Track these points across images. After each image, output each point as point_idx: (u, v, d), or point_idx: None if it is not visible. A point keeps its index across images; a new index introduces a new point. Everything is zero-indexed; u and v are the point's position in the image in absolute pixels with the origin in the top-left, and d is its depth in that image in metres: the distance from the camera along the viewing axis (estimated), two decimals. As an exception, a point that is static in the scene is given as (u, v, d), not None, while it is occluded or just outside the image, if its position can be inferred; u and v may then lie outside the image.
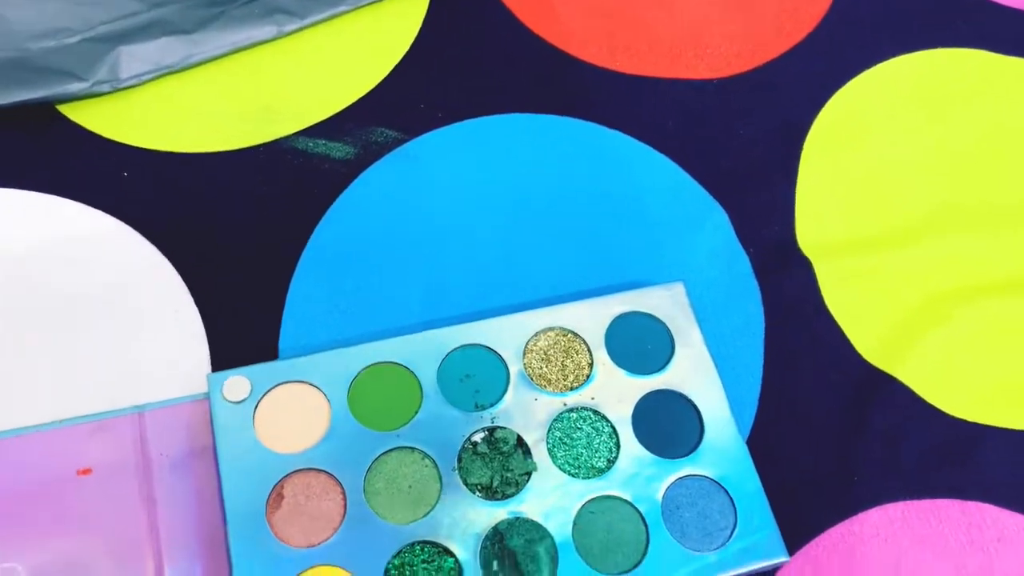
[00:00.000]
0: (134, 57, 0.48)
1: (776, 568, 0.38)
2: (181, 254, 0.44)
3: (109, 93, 0.48)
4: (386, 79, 0.51)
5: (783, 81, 0.52)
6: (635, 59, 0.52)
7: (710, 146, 0.49)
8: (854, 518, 0.40)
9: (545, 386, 0.40)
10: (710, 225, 0.47)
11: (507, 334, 0.41)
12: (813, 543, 0.40)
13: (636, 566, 0.36)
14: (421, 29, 0.52)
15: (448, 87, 0.51)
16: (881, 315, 0.45)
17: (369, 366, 0.39)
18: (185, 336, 0.43)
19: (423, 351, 0.40)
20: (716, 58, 0.52)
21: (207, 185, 0.47)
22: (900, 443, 0.42)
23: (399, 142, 0.49)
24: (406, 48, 0.52)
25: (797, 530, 0.39)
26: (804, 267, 0.46)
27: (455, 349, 0.40)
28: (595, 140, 0.49)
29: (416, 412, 0.39)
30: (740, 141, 0.50)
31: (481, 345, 0.40)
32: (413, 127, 0.49)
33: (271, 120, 0.49)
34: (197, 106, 0.49)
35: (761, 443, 0.41)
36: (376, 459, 0.37)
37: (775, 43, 0.53)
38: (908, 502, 0.41)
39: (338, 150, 0.48)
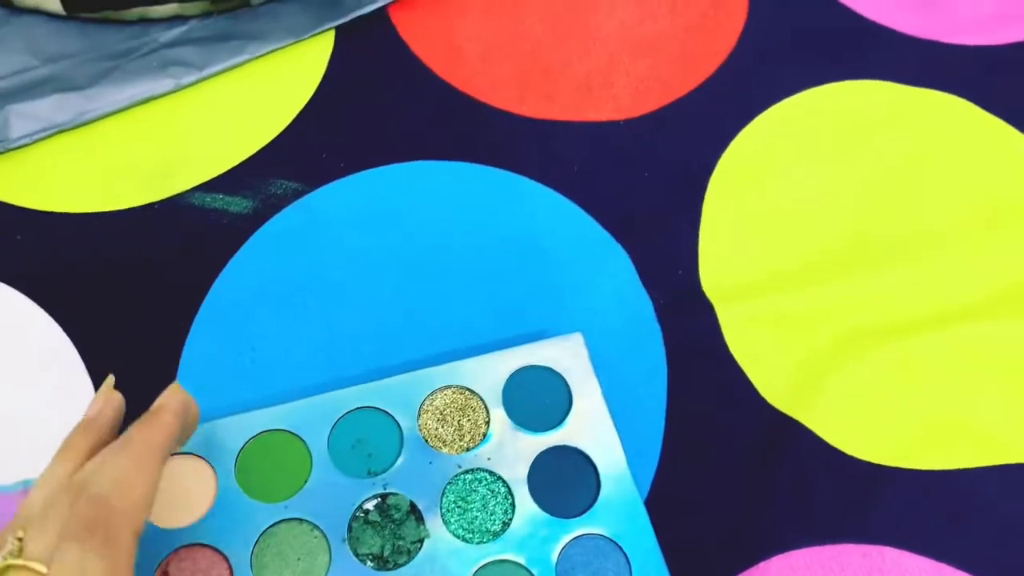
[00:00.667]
0: (24, 116, 0.47)
1: (675, 625, 0.38)
2: (73, 320, 0.44)
3: None
4: (287, 128, 0.50)
5: (689, 120, 0.52)
6: (543, 103, 0.52)
7: (615, 189, 0.49)
8: (756, 567, 0.40)
9: (440, 447, 0.39)
10: (613, 269, 0.47)
11: (402, 394, 0.40)
12: (715, 595, 0.40)
13: (530, 632, 0.36)
14: (325, 75, 0.52)
15: (351, 135, 0.50)
16: (784, 358, 0.45)
17: (257, 435, 0.39)
18: (76, 405, 0.42)
19: (314, 417, 0.39)
20: (623, 98, 0.52)
21: (101, 246, 0.46)
22: (805, 488, 0.42)
23: (299, 194, 0.48)
24: (308, 96, 0.51)
25: (702, 579, 0.39)
26: (707, 311, 0.46)
27: (347, 413, 0.40)
28: (502, 186, 0.49)
29: (305, 481, 0.38)
30: (644, 184, 0.50)
31: (375, 407, 0.40)
32: (314, 178, 0.49)
33: (168, 175, 0.48)
34: (92, 164, 0.48)
35: (664, 493, 0.41)
36: (264, 532, 0.37)
37: (682, 81, 0.53)
38: (812, 548, 0.41)
39: (236, 204, 0.48)
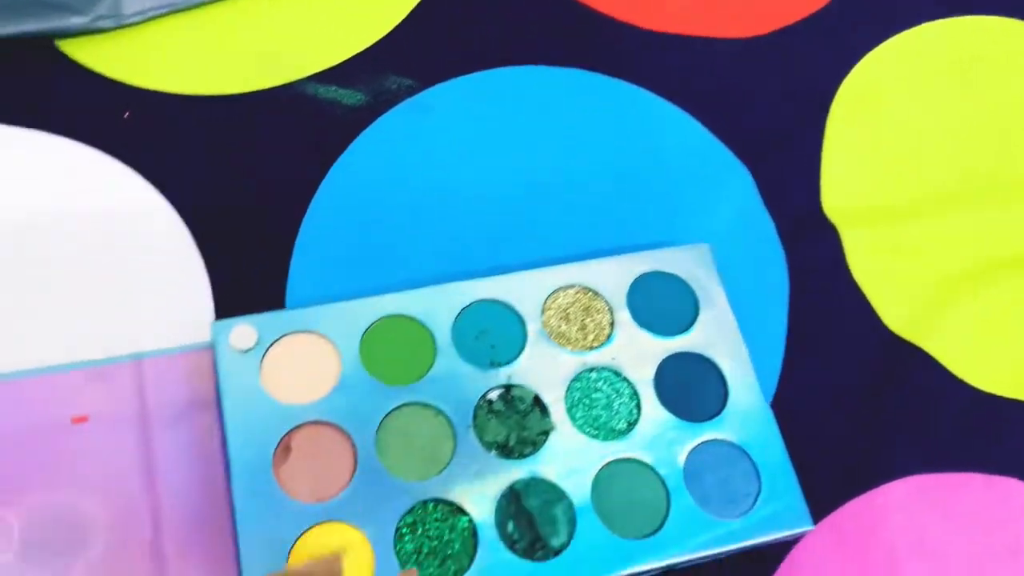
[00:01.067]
0: None
1: (798, 537, 0.37)
2: (185, 199, 0.43)
3: (111, 30, 0.46)
4: (401, 24, 0.49)
5: (812, 43, 0.50)
6: (663, 15, 0.51)
7: (737, 107, 0.48)
8: (877, 490, 0.39)
9: (564, 344, 0.39)
10: (734, 187, 0.46)
11: (525, 290, 0.39)
12: (836, 513, 0.39)
13: (656, 531, 0.35)
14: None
15: (466, 36, 0.49)
16: (909, 285, 0.44)
17: (382, 318, 0.38)
18: (187, 284, 0.41)
19: (437, 305, 0.39)
20: (746, 16, 0.51)
21: (213, 128, 0.45)
22: (926, 415, 0.41)
23: (413, 90, 0.47)
24: None
25: (820, 499, 0.38)
26: (830, 234, 0.45)
27: (471, 304, 0.39)
28: (619, 97, 0.48)
29: (430, 367, 0.37)
30: (767, 103, 0.48)
31: (498, 301, 0.39)
32: (428, 76, 0.47)
33: (282, 64, 0.47)
34: (204, 47, 0.47)
35: (782, 412, 0.39)
36: (388, 414, 0.36)
37: (805, 4, 0.52)
38: (933, 475, 0.40)
39: (350, 96, 0.46)
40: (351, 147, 0.45)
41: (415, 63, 0.48)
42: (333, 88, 0.47)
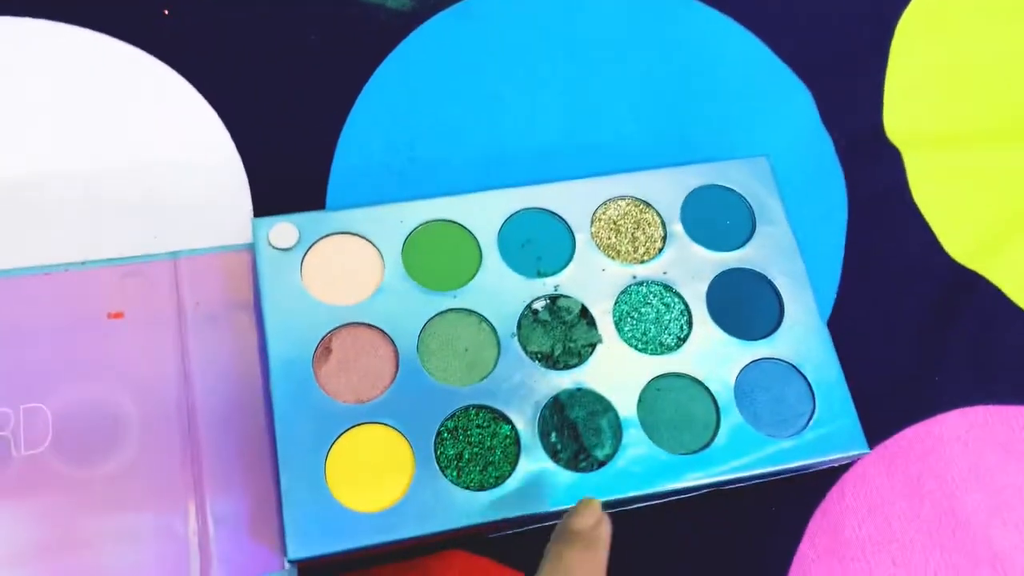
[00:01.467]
0: None
1: (852, 461, 0.36)
2: (224, 99, 0.41)
3: None
4: None
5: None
6: None
7: (797, 24, 0.46)
8: (934, 419, 0.38)
9: (614, 257, 0.37)
10: (794, 106, 0.44)
11: (574, 200, 0.38)
12: (890, 441, 0.37)
13: (704, 447, 0.34)
14: None
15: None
16: (974, 213, 0.42)
17: (425, 223, 0.37)
18: (226, 185, 0.40)
19: (482, 211, 0.37)
20: None
21: (255, 30, 0.43)
22: (987, 346, 0.39)
23: (460, -4, 0.45)
24: None
25: (873, 426, 0.36)
26: (892, 157, 0.43)
27: (517, 212, 0.37)
28: (675, 9, 0.46)
29: (474, 274, 0.36)
30: (829, 21, 0.46)
31: (545, 209, 0.38)
32: (476, -18, 0.46)
33: (324, -35, 0.45)
34: (244, -55, 0.45)
35: (838, 336, 0.38)
36: (431, 319, 0.35)
37: None
38: (991, 406, 0.38)
39: (395, 1, 0.45)
40: (394, 52, 0.43)
41: None
42: None
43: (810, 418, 0.35)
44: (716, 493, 0.35)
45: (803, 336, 0.36)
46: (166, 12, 0.43)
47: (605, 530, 0.28)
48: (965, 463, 0.37)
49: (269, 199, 0.40)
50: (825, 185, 0.42)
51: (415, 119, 0.42)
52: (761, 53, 0.45)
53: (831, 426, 0.35)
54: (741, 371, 0.35)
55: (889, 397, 0.38)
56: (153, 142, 0.40)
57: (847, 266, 0.41)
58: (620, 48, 0.45)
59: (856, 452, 0.35)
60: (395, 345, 0.34)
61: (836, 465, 0.36)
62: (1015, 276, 0.41)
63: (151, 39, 0.42)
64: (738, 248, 0.38)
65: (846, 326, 0.39)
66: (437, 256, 0.36)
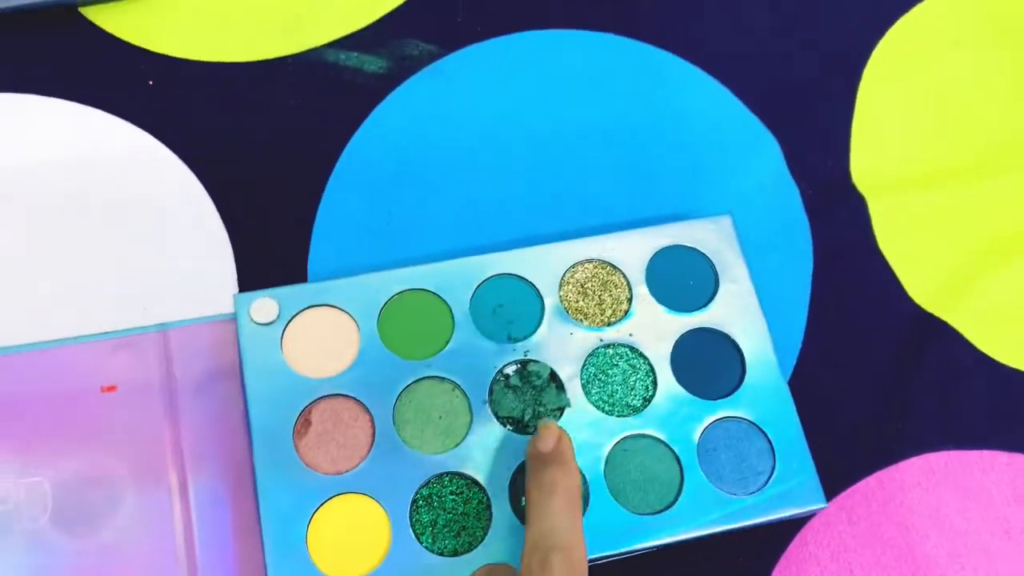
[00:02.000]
0: None
1: (811, 514, 0.38)
2: (207, 167, 0.43)
3: None
4: None
5: (844, 4, 0.49)
6: None
7: (764, 71, 0.47)
8: (895, 466, 0.39)
9: (581, 320, 0.39)
10: (761, 155, 0.45)
11: (543, 264, 0.39)
12: (852, 489, 0.39)
13: (668, 507, 0.36)
14: (462, -65, 0.50)
15: (488, 1, 0.48)
16: (936, 257, 0.43)
17: (400, 292, 0.38)
18: (211, 254, 0.42)
19: (455, 279, 0.39)
20: None
21: (235, 96, 0.45)
22: (949, 391, 0.41)
23: (434, 56, 0.46)
24: None
25: (837, 474, 0.38)
26: (857, 203, 0.44)
27: (488, 278, 0.39)
28: (643, 60, 0.47)
29: (447, 342, 0.38)
30: (796, 67, 0.47)
31: (516, 275, 0.39)
32: (449, 40, 0.47)
33: (302, 30, 0.46)
34: (226, 14, 0.47)
35: (803, 385, 0.40)
36: (406, 387, 0.37)
37: None
38: (952, 452, 0.40)
39: (371, 63, 0.46)
40: (372, 115, 0.45)
41: (436, 29, 0.47)
42: (355, 55, 0.46)
43: (770, 476, 0.36)
44: (681, 546, 0.36)
45: (764, 395, 0.38)
46: (151, 83, 0.45)
47: (567, 443, 0.34)
48: (925, 509, 0.39)
49: (253, 266, 0.41)
50: (791, 234, 0.43)
51: (393, 181, 0.44)
52: (729, 103, 0.46)
53: (790, 483, 0.36)
54: (704, 430, 0.37)
55: (853, 445, 0.40)
56: (140, 214, 0.42)
57: (812, 314, 0.42)
58: (590, 101, 0.46)
59: (814, 507, 0.36)
60: (371, 415, 0.36)
61: (796, 518, 0.37)
62: (976, 321, 0.42)
63: (135, 109, 0.44)
64: (701, 308, 0.39)
65: (811, 375, 0.41)
66: (412, 324, 0.38)
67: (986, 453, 0.40)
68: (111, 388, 0.38)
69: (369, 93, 0.46)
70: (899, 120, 0.46)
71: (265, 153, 0.44)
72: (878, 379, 0.41)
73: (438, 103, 0.46)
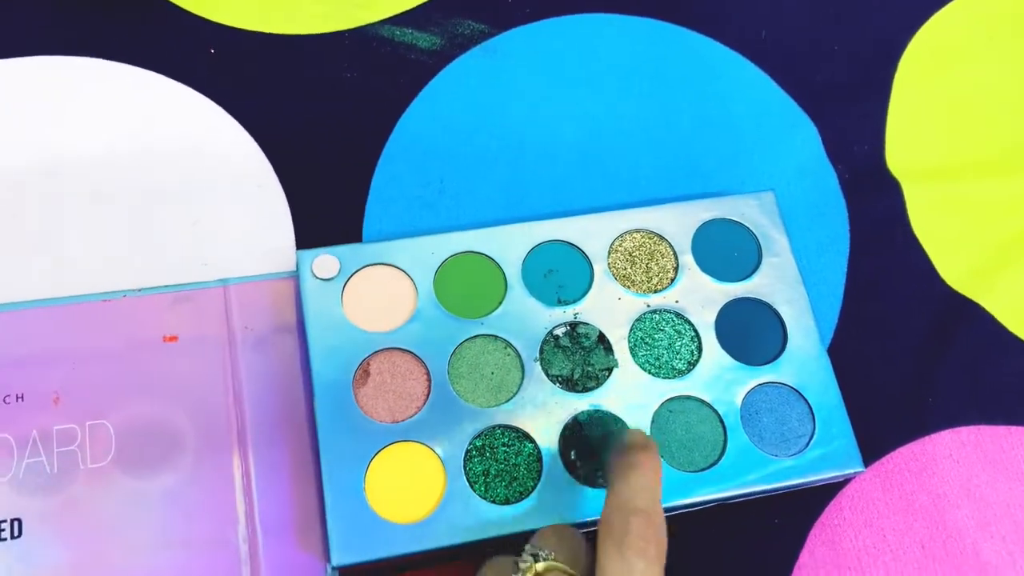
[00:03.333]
0: None
1: (849, 478, 0.39)
2: (266, 134, 0.45)
3: None
4: None
5: (883, -3, 0.51)
6: None
7: (802, 59, 0.48)
8: (927, 438, 0.41)
9: (629, 286, 0.40)
10: (799, 139, 0.46)
11: (592, 233, 0.41)
12: (885, 459, 0.40)
13: (712, 465, 0.37)
14: (512, -78, 0.51)
15: (539, -17, 0.50)
16: (969, 242, 0.45)
17: (455, 254, 0.40)
18: (269, 215, 0.43)
19: (508, 243, 0.40)
20: None
21: (293, 66, 0.47)
22: (979, 369, 0.42)
23: (485, 35, 0.48)
24: None
25: (870, 445, 0.39)
26: (893, 188, 0.46)
27: (540, 244, 0.40)
28: (685, 45, 0.49)
29: (500, 302, 0.39)
30: (834, 55, 0.49)
31: (566, 242, 0.41)
32: (500, 21, 0.49)
33: (359, 5, 0.48)
34: (284, -13, 0.49)
35: (839, 360, 0.41)
36: (460, 344, 0.38)
37: None
38: (982, 427, 0.41)
39: (424, 40, 0.48)
40: (425, 89, 0.47)
41: (488, 8, 0.49)
42: (409, 31, 0.48)
43: (811, 439, 0.38)
44: (721, 506, 0.38)
45: (805, 362, 0.39)
46: (212, 51, 0.47)
47: (655, 446, 0.33)
48: (956, 480, 0.40)
49: (310, 229, 0.43)
50: (829, 215, 0.45)
51: (444, 153, 0.45)
52: (769, 88, 0.48)
53: (830, 446, 0.38)
54: (747, 394, 0.38)
55: (886, 417, 0.41)
56: (204, 176, 0.44)
57: (848, 292, 0.43)
58: (634, 83, 0.48)
59: (852, 470, 0.38)
60: (427, 368, 0.38)
61: (835, 482, 0.39)
62: (1007, 303, 0.43)
63: (198, 76, 0.46)
64: (745, 279, 0.41)
65: (847, 349, 0.42)
66: (466, 285, 0.39)
67: (1015, 428, 0.41)
68: (172, 338, 0.39)
69: (422, 68, 0.47)
70: (933, 110, 0.48)
71: (322, 121, 0.45)
72: (911, 355, 0.42)
73: (488, 80, 0.47)
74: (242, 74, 0.46)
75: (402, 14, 0.48)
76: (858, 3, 0.50)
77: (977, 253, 0.45)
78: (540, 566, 0.30)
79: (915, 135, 0.47)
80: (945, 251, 0.44)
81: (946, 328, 0.43)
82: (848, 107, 0.47)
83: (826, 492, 0.39)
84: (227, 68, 0.46)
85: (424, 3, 0.49)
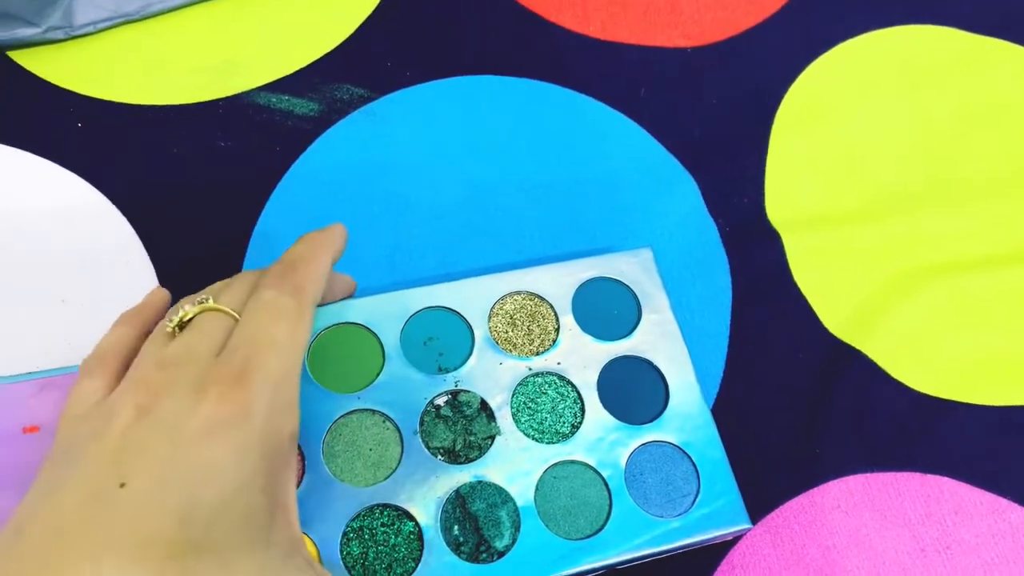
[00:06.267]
0: (90, 3, 0.46)
1: (738, 536, 0.38)
2: (135, 208, 0.43)
3: (63, 40, 0.46)
4: (354, 35, 0.49)
5: (757, 51, 0.51)
6: (609, 24, 0.51)
7: (681, 114, 0.49)
8: (816, 489, 0.40)
9: (511, 350, 0.39)
10: (679, 194, 0.47)
11: (472, 297, 0.40)
12: (775, 513, 0.40)
13: (598, 531, 0.36)
14: (392, -16, 0.51)
15: (418, 46, 0.50)
16: (849, 289, 0.45)
17: (330, 327, 0.38)
18: (140, 292, 0.41)
19: (385, 312, 0.39)
20: (691, 25, 0.52)
21: (165, 139, 0.45)
22: (864, 417, 0.42)
23: (365, 100, 0.47)
24: (375, 3, 0.50)
25: (759, 500, 0.39)
26: (773, 239, 0.46)
27: (418, 311, 0.39)
28: (566, 105, 0.49)
29: (378, 374, 0.38)
30: (712, 110, 0.49)
31: (445, 308, 0.40)
32: (380, 85, 0.48)
33: (233, 74, 0.47)
34: (156, 57, 0.47)
35: (725, 414, 0.41)
36: (336, 421, 0.37)
37: (751, 13, 0.53)
38: (869, 474, 0.41)
39: (302, 106, 0.47)
40: (302, 156, 0.46)
41: (367, 73, 0.48)
42: (286, 97, 0.47)
43: (696, 497, 0.37)
44: (608, 573, 0.37)
45: (687, 418, 0.39)
46: (79, 125, 0.45)
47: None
48: (845, 530, 0.39)
49: (182, 305, 0.41)
50: (710, 269, 0.45)
51: (324, 220, 0.44)
52: (649, 144, 0.48)
53: (715, 504, 0.37)
54: (631, 455, 0.38)
55: (774, 470, 0.41)
56: (68, 254, 0.42)
57: (732, 345, 0.43)
58: (516, 144, 0.47)
59: (740, 527, 0.37)
60: (300, 450, 0.36)
61: (724, 540, 0.38)
62: (887, 348, 0.44)
63: (65, 152, 0.44)
64: (625, 337, 0.40)
65: (733, 403, 0.42)
66: (342, 358, 0.38)
67: (900, 474, 0.41)
68: (32, 429, 0.37)
69: (300, 135, 0.46)
70: (810, 161, 0.49)
71: (194, 193, 0.44)
72: (797, 405, 0.42)
73: (368, 144, 0.46)
74: (110, 148, 0.44)
75: (278, 80, 0.47)
76: (734, 58, 0.51)
77: (856, 300, 0.45)
78: (194, 310, 0.32)
79: (793, 186, 0.48)
80: (826, 299, 0.45)
81: (830, 377, 0.43)
82: (727, 161, 0.48)
83: (717, 551, 0.39)
84: (94, 142, 0.45)
85: (301, 69, 0.48)
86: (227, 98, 0.47)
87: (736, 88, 0.50)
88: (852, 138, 0.50)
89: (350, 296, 0.40)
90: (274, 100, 0.47)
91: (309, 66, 0.48)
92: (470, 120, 0.48)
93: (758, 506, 0.39)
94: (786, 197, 0.47)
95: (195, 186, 0.44)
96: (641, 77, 0.50)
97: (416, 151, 0.47)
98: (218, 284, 0.35)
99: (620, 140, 0.48)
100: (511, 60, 0.50)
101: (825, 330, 0.44)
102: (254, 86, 0.47)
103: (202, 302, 0.33)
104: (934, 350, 0.44)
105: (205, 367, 0.30)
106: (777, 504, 0.40)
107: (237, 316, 0.32)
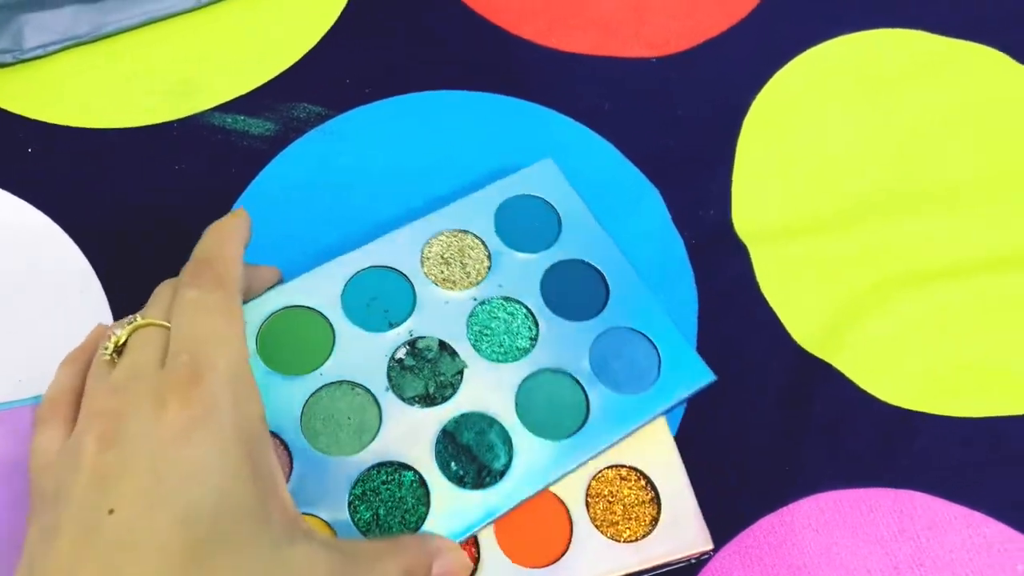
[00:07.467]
0: (39, 26, 0.40)
1: (706, 559, 0.35)
2: (87, 235, 0.37)
3: (12, 64, 0.41)
4: (310, 52, 0.43)
5: (722, 61, 0.45)
6: (572, 36, 0.45)
7: (646, 127, 0.42)
8: (786, 508, 0.35)
9: (451, 288, 0.36)
10: (645, 208, 0.41)
11: (400, 249, 0.35)
12: (745, 532, 0.35)
13: (583, 425, 0.33)
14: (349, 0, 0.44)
15: (376, 62, 0.43)
16: (817, 302, 0.39)
17: (271, 315, 0.34)
18: (92, 323, 0.38)
19: (320, 287, 0.34)
20: (655, 36, 0.45)
21: (118, 162, 0.39)
22: (835, 432, 0.37)
23: (323, 118, 0.41)
24: (333, 20, 0.43)
25: (728, 520, 0.34)
26: (740, 252, 0.40)
27: (353, 276, 0.34)
28: (529, 119, 0.42)
29: (332, 347, 0.33)
30: (677, 122, 0.43)
31: (378, 266, 0.36)
32: (338, 102, 0.42)
33: (187, 95, 0.40)
34: (108, 79, 0.40)
35: (693, 432, 0.35)
36: (306, 403, 0.32)
37: (715, 22, 0.46)
38: (841, 491, 0.36)
39: (257, 126, 0.41)
40: (259, 177, 0.40)
41: (325, 91, 0.42)
42: (241, 118, 0.41)
43: (659, 365, 0.34)
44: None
45: (631, 300, 0.35)
46: (29, 150, 0.39)
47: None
48: (816, 549, 0.35)
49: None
50: (676, 282, 0.39)
51: (281, 239, 0.39)
52: (614, 158, 0.42)
53: (678, 369, 0.34)
54: (591, 348, 0.34)
55: (744, 489, 0.35)
56: (16, 282, 0.36)
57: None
58: (479, 158, 0.41)
59: (706, 381, 0.34)
60: (282, 439, 0.32)
61: (694, 561, 0.34)
62: (856, 361, 0.37)
63: (13, 177, 0.39)
64: (553, 244, 0.37)
65: (700, 420, 0.36)
66: (292, 342, 0.33)
67: (872, 490, 0.36)
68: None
69: (256, 155, 0.40)
70: (776, 172, 0.42)
71: (147, 218, 0.38)
72: (766, 421, 0.37)
73: (326, 163, 0.40)
74: (60, 174, 0.38)
75: (233, 101, 0.41)
76: (700, 69, 0.44)
77: (825, 312, 0.39)
78: (125, 331, 0.29)
79: (760, 197, 0.41)
80: (795, 312, 0.39)
81: (800, 391, 0.38)
82: (693, 173, 0.42)
83: (687, 573, 0.34)
84: (44, 168, 0.38)
85: (257, 88, 0.41)
86: (181, 120, 0.40)
87: (702, 98, 0.43)
88: (820, 147, 0.43)
89: (279, 283, 0.39)
90: (229, 120, 0.40)
91: (265, 85, 0.41)
92: (431, 136, 0.41)
93: (727, 526, 0.33)
94: (753, 209, 0.41)
95: (148, 211, 0.38)
96: (605, 89, 0.43)
97: (375, 168, 0.40)
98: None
99: (585, 153, 0.41)
100: (473, 74, 0.43)
101: (794, 343, 0.38)
102: (209, 107, 0.40)
103: (130, 322, 0.29)
104: (905, 361, 0.37)
105: (155, 380, 0.26)
106: (747, 524, 0.35)
107: (168, 325, 0.29)
